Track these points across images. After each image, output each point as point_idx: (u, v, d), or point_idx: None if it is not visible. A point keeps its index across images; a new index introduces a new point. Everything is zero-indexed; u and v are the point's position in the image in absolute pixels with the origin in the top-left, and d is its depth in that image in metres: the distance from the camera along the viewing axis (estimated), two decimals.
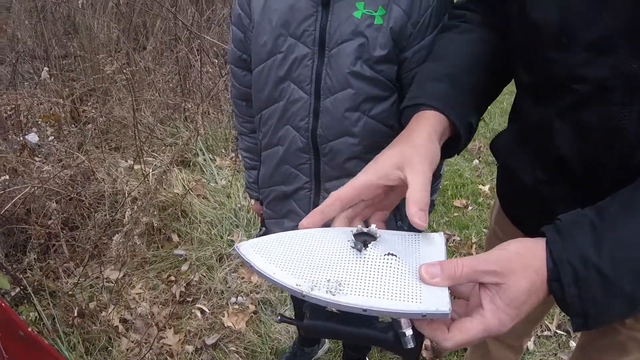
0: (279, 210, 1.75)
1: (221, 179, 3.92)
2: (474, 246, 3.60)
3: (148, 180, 3.53)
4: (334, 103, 1.43)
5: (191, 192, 3.66)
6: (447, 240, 3.67)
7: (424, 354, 2.77)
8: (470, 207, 4.11)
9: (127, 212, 3.24)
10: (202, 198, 3.71)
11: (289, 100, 1.47)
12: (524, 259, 0.72)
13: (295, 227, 1.73)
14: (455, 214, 4.00)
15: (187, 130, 4.24)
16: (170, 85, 4.86)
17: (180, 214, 3.52)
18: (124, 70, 4.26)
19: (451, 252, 3.53)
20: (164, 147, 4.15)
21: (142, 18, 5.29)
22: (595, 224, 0.72)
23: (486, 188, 4.30)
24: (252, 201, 2.01)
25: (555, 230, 0.73)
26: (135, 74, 4.59)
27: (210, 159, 4.10)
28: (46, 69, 4.14)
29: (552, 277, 0.70)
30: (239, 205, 3.66)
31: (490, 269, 0.71)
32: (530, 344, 2.88)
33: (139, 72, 4.66)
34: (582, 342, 1.58)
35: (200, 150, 4.11)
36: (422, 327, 0.72)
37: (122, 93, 4.38)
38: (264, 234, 2.06)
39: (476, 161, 4.80)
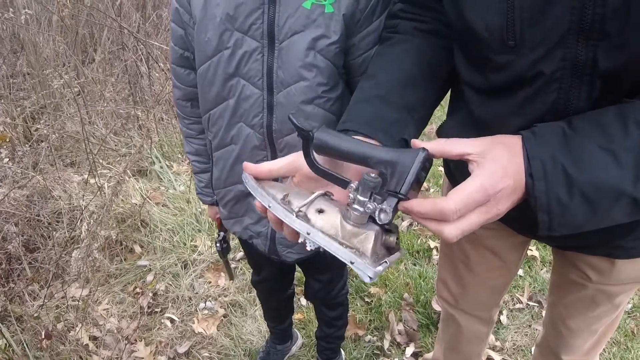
0: (238, 210, 1.72)
1: (179, 185, 3.87)
2: None
3: (103, 193, 3.46)
4: (287, 97, 1.40)
5: (149, 201, 3.60)
6: (410, 225, 3.70)
7: (398, 338, 2.78)
8: (432, 190, 4.15)
9: (83, 227, 3.17)
10: (162, 206, 3.65)
11: (240, 97, 1.43)
12: (505, 141, 0.79)
13: (256, 224, 1.71)
14: None
15: (140, 139, 4.17)
16: (122, 95, 4.77)
17: (140, 224, 3.46)
18: (73, 84, 4.16)
19: (417, 235, 3.55)
20: (119, 158, 4.07)
21: (89, 29, 5.18)
22: (566, 131, 0.77)
23: None
24: (206, 206, 1.98)
25: (530, 132, 0.79)
26: (85, 87, 4.50)
27: (167, 165, 4.04)
28: None
29: (527, 171, 0.76)
30: (200, 209, 3.62)
31: (475, 143, 0.79)
32: (503, 318, 2.93)
33: (88, 84, 4.57)
34: (551, 301, 1.60)
35: (156, 157, 4.03)
36: (422, 204, 0.76)
37: (73, 107, 4.28)
38: (223, 239, 2.04)
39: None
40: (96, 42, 5.16)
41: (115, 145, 4.21)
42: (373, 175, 0.76)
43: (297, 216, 0.80)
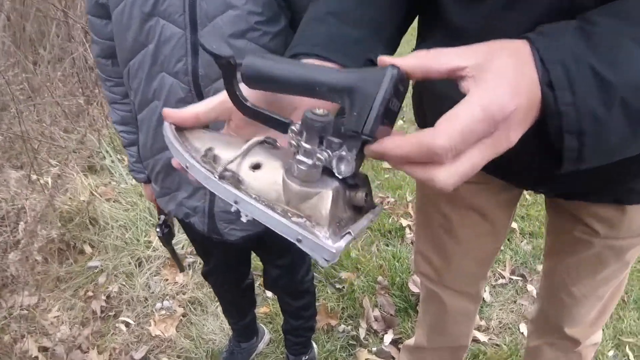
0: (170, 184, 1.51)
1: (131, 178, 3.65)
2: (410, 204, 3.51)
3: (45, 191, 3.25)
4: (213, 31, 1.20)
5: (99, 197, 3.39)
6: (382, 202, 3.57)
7: (375, 325, 2.64)
8: None
9: (20, 227, 2.95)
10: (113, 202, 3.44)
11: (160, 40, 1.23)
12: (509, 45, 0.57)
13: (191, 197, 1.48)
14: (386, 176, 3.93)
15: (90, 134, 3.97)
16: (69, 88, 4.58)
17: (88, 222, 3.24)
18: (17, 81, 3.99)
19: (387, 214, 3.44)
20: (67, 156, 3.86)
21: (37, 25, 4.98)
22: (583, 26, 0.57)
23: None
24: (142, 186, 1.79)
25: (537, 33, 0.57)
26: (32, 83, 4.34)
27: (118, 159, 3.84)
28: None
29: (544, 79, 0.54)
30: None
31: (469, 53, 0.56)
32: (486, 295, 2.82)
33: (35, 81, 4.38)
34: (549, 267, 1.44)
35: (107, 152, 3.84)
36: (400, 144, 0.53)
37: (21, 106, 4.09)
38: (164, 223, 1.83)
39: (400, 122, 4.78)
40: (44, 38, 4.97)
41: (65, 142, 4.00)
42: (320, 111, 0.54)
43: (221, 178, 0.59)
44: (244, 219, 0.60)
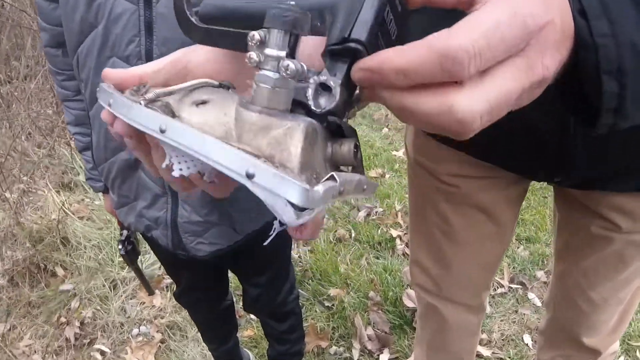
0: (128, 192, 1.36)
1: None
2: (399, 214, 3.41)
3: (10, 206, 3.12)
4: (169, 3, 1.06)
5: (72, 215, 3.24)
6: (368, 215, 3.48)
7: (369, 345, 2.51)
8: (387, 175, 4.01)
9: None
10: (86, 220, 3.28)
11: (110, 19, 1.10)
12: None
13: (151, 207, 1.40)
14: None
15: (59, 146, 3.88)
16: (45, 103, 4.51)
17: (60, 242, 3.08)
18: None
19: (376, 224, 3.34)
20: (34, 170, 3.75)
21: (15, 38, 4.95)
22: None
23: (400, 153, 4.26)
24: (102, 197, 1.64)
25: None
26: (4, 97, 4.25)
27: None
28: None
29: (575, 7, 0.44)
30: None
31: None
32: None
33: (5, 92, 4.31)
34: (562, 270, 1.33)
35: (80, 167, 3.69)
36: (404, 52, 0.37)
37: None
38: (127, 239, 1.68)
39: (385, 129, 4.79)
40: (20, 51, 4.96)
41: (39, 158, 3.90)
42: (290, 2, 0.40)
43: (148, 105, 0.43)
44: (176, 173, 0.45)
